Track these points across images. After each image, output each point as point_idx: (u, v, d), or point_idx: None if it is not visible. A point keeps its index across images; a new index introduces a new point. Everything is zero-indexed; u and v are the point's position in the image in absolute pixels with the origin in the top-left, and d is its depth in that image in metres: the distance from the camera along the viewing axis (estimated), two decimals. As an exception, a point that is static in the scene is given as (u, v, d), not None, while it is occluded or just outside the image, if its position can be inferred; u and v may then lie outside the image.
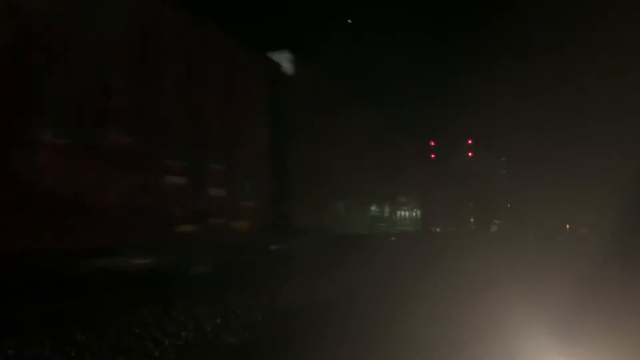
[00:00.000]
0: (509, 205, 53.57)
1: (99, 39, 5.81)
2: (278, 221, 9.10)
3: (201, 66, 7.61)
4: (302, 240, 9.63)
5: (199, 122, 7.50)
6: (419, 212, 20.23)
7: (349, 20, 35.33)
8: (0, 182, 4.73)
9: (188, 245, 7.13)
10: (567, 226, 50.06)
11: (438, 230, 23.50)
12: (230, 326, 5.54)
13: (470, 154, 43.99)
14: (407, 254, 15.37)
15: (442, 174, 27.10)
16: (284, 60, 9.82)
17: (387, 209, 16.41)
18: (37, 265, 4.97)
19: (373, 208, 14.95)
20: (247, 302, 6.54)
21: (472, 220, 36.27)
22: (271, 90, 9.40)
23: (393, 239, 16.40)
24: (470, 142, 44.85)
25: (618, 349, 4.38)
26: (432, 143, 41.34)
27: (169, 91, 6.96)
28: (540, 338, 4.68)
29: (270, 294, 7.15)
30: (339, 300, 7.62)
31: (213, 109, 7.89)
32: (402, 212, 17.94)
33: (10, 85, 4.86)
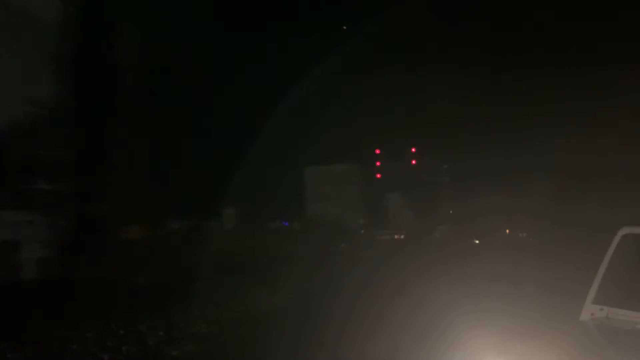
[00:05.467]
0: (451, 212, 54.91)
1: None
2: None
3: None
4: None
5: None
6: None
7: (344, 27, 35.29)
8: None
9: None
10: (507, 230, 51.91)
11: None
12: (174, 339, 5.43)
13: (414, 162, 44.87)
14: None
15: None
16: None
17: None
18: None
19: None
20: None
21: (414, 226, 37.02)
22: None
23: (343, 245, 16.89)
24: (414, 150, 45.76)
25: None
26: (378, 151, 41.99)
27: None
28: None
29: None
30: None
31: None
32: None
33: None
